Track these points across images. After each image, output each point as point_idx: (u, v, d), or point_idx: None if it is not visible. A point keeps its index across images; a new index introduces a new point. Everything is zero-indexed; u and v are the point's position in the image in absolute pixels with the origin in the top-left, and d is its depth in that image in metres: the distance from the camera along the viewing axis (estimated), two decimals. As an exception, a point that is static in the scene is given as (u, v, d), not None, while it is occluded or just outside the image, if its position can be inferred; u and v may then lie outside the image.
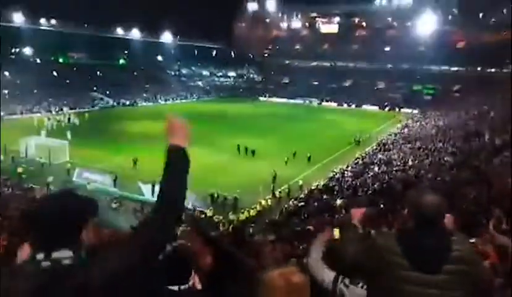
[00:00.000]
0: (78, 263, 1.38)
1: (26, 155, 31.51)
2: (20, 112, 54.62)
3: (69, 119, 50.97)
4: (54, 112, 54.97)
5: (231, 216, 21.47)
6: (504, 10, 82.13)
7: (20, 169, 27.40)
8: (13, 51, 76.48)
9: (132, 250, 1.47)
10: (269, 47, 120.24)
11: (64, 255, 1.37)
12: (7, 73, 66.80)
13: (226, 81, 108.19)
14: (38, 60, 78.58)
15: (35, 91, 62.83)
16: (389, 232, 2.11)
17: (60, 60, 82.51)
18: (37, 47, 78.46)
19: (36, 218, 1.42)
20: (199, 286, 3.40)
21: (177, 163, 1.74)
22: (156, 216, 1.55)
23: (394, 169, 26.01)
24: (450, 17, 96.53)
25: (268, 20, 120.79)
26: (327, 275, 2.20)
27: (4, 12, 70.50)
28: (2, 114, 51.30)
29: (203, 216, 21.90)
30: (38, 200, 1.57)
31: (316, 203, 21.79)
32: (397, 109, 75.11)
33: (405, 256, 1.81)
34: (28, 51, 79.29)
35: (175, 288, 1.76)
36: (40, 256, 1.36)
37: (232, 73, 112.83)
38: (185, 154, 1.77)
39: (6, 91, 59.60)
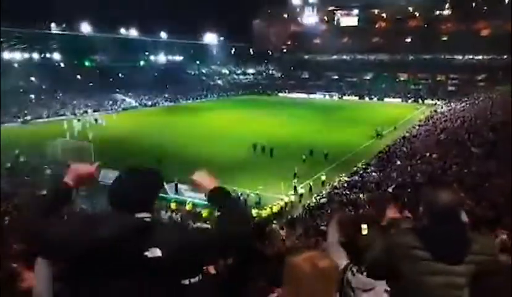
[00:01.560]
0: (154, 222, 1.70)
1: (53, 158, 32.37)
2: (46, 115, 56.15)
3: (96, 120, 52.34)
4: (78, 115, 56.21)
5: (253, 213, 21.56)
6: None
7: (48, 171, 28.19)
8: (38, 56, 78.56)
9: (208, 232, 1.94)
10: (288, 43, 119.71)
11: (144, 215, 1.69)
12: (33, 78, 68.89)
13: (246, 79, 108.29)
14: (62, 65, 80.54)
15: (60, 94, 64.48)
16: (407, 229, 2.13)
17: (86, 63, 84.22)
18: (60, 52, 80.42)
19: (120, 190, 1.78)
20: (212, 271, 3.45)
21: (217, 201, 1.99)
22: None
23: (419, 162, 25.55)
24: (473, 4, 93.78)
25: (285, 16, 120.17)
26: (341, 261, 2.20)
27: (28, 18, 72.50)
28: (29, 118, 53.00)
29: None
30: (120, 176, 1.85)
31: (339, 199, 21.65)
32: (420, 101, 73.68)
33: (427, 249, 1.84)
34: (52, 55, 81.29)
35: (186, 281, 1.83)
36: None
37: (251, 70, 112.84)
38: (223, 194, 2.02)
39: (32, 96, 61.49)
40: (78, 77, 76.50)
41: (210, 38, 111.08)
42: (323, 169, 29.17)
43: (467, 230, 1.91)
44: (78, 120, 49.84)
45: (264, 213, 21.71)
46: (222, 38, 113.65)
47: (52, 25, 79.27)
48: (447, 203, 1.91)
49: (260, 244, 3.62)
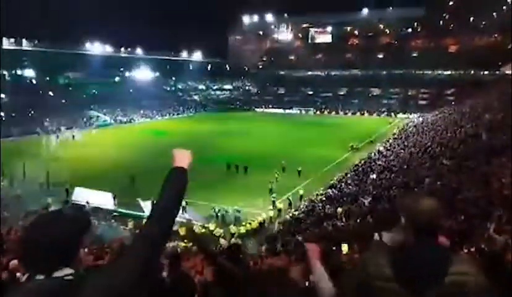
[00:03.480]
0: (80, 279, 1.36)
1: (25, 177, 31.41)
2: (18, 134, 54.48)
3: (73, 136, 52.03)
4: (51, 132, 54.84)
5: (232, 230, 21.39)
6: (495, 14, 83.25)
7: (18, 191, 27.28)
8: (8, 73, 76.69)
9: (128, 264, 1.44)
10: (264, 59, 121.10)
11: (66, 272, 1.37)
12: (3, 95, 67.00)
13: (222, 94, 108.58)
14: (34, 81, 78.77)
15: (32, 112, 62.82)
16: (381, 251, 2.01)
17: (59, 80, 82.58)
18: (32, 69, 78.82)
19: (32, 242, 1.39)
20: None
21: (175, 179, 1.77)
22: (148, 231, 1.53)
23: (394, 174, 26.03)
24: (441, 22, 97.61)
25: (261, 32, 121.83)
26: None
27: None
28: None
29: (203, 230, 21.82)
30: (32, 223, 1.44)
31: (316, 213, 21.76)
32: (393, 115, 75.52)
33: (395, 279, 1.73)
34: (23, 72, 79.54)
35: None
36: (41, 277, 1.34)
37: (228, 86, 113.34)
38: (185, 174, 1.83)
39: (2, 114, 59.67)
40: (51, 93, 74.90)
41: (186, 54, 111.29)
42: (298, 184, 29.23)
43: (446, 255, 1.77)
44: (57, 136, 49.34)
45: (243, 229, 21.57)
46: (198, 54, 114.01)
47: (24, 41, 77.77)
48: (422, 214, 1.82)
49: (233, 265, 3.60)
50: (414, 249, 1.80)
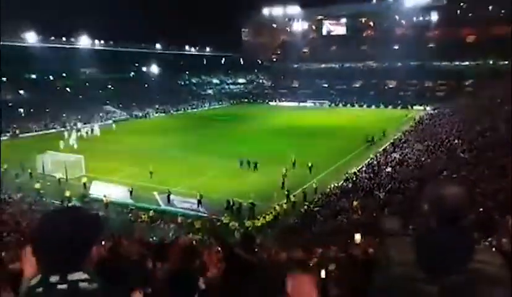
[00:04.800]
0: (95, 288, 1.35)
1: (43, 171, 32.05)
2: (35, 129, 55.61)
3: (92, 130, 53.27)
4: (68, 128, 55.77)
5: (247, 223, 21.50)
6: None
7: (37, 185, 27.90)
8: (26, 69, 78.05)
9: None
10: (278, 52, 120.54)
11: (80, 277, 1.34)
12: (22, 91, 68.39)
13: (236, 88, 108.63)
14: (51, 78, 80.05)
15: (49, 108, 63.91)
16: (405, 242, 1.94)
17: (77, 77, 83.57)
18: (49, 65, 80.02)
19: (47, 240, 1.36)
20: (202, 286, 3.43)
21: None
22: None
23: (410, 167, 25.75)
24: (459, 11, 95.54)
25: (274, 25, 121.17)
26: None
27: (16, 32, 72.28)
28: (18, 132, 52.49)
29: (219, 223, 22.00)
30: (45, 221, 1.40)
31: (331, 206, 21.70)
32: (409, 107, 74.46)
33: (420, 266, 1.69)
34: (40, 68, 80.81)
35: None
36: (55, 278, 1.32)
37: (241, 80, 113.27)
38: None
39: (21, 110, 60.95)
40: (68, 89, 76.02)
41: (200, 48, 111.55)
42: (311, 179, 29.07)
43: (471, 244, 1.73)
44: (78, 130, 50.43)
45: (258, 222, 21.65)
46: (212, 48, 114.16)
47: (41, 37, 78.99)
48: (449, 201, 1.77)
49: (249, 255, 3.62)
50: (437, 234, 1.76)
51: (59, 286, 1.30)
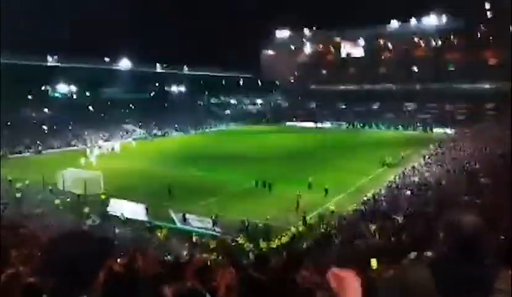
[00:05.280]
0: None
1: (64, 187, 32.64)
2: (58, 146, 56.98)
3: (113, 148, 54.49)
4: (89, 145, 56.97)
5: (262, 244, 21.30)
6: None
7: (57, 201, 28.39)
8: (49, 88, 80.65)
9: None
10: (295, 73, 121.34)
11: None
12: (46, 109, 70.49)
13: (254, 109, 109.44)
14: (74, 96, 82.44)
15: (71, 125, 65.54)
16: (421, 265, 1.91)
17: (99, 96, 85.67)
18: (73, 84, 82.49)
19: (54, 262, 1.35)
20: None
21: None
22: None
23: (429, 192, 25.26)
24: (479, 33, 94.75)
25: (293, 47, 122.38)
26: None
27: (40, 51, 74.99)
28: (41, 148, 53.89)
29: (233, 243, 21.87)
30: (54, 244, 1.41)
31: (347, 230, 21.36)
32: (429, 130, 73.50)
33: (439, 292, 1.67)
34: (64, 88, 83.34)
35: None
36: None
37: (259, 101, 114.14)
38: None
39: (45, 127, 62.68)
40: (90, 108, 78.02)
41: (218, 69, 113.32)
42: (327, 201, 28.74)
43: (489, 271, 1.71)
44: (99, 148, 51.68)
45: (273, 244, 21.43)
46: (230, 69, 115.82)
47: (65, 56, 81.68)
48: (467, 230, 1.78)
49: (263, 276, 3.59)
50: (455, 265, 1.75)
51: None
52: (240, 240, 22.01)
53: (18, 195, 29.27)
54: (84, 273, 1.35)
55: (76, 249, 1.37)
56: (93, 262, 1.40)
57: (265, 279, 3.42)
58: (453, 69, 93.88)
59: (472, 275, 1.69)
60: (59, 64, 79.96)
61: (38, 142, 55.45)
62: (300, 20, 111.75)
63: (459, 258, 1.76)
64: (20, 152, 51.26)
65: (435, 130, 72.59)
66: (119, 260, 7.43)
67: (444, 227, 1.89)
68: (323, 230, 22.85)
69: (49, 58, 79.00)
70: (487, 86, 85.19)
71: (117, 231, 23.44)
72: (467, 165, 30.03)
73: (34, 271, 1.61)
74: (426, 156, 42.96)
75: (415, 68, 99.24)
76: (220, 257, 17.91)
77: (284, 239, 21.94)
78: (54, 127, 63.38)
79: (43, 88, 77.74)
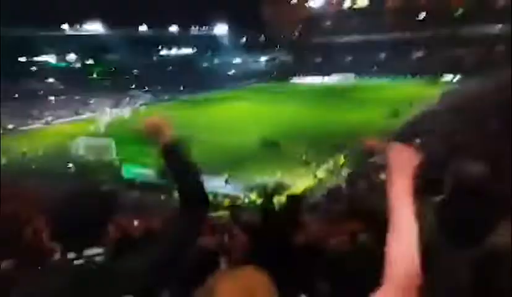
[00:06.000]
0: (111, 261, 1.40)
1: (76, 156, 33.19)
2: (66, 115, 57.31)
3: (121, 114, 54.29)
4: (97, 113, 57.07)
5: (274, 200, 21.70)
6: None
7: (70, 168, 29.02)
8: (53, 58, 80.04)
9: (164, 246, 1.51)
10: (299, 28, 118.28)
11: (95, 251, 1.39)
12: (51, 80, 70.35)
13: (259, 67, 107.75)
14: (78, 65, 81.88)
15: (77, 95, 65.55)
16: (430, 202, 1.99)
17: (102, 63, 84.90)
18: (75, 53, 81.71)
19: (62, 217, 1.41)
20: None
21: (176, 160, 1.70)
22: (181, 212, 1.59)
23: (438, 138, 25.21)
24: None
25: (295, 0, 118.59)
26: None
27: (43, 21, 73.89)
28: (50, 119, 54.29)
29: (246, 200, 22.34)
30: (62, 197, 1.47)
31: (358, 181, 21.61)
32: (438, 77, 72.09)
33: (441, 230, 1.74)
34: (67, 57, 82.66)
35: None
36: (72, 254, 1.37)
37: (264, 58, 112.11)
38: (176, 147, 1.74)
39: (52, 98, 62.83)
40: (95, 75, 77.60)
41: (221, 29, 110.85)
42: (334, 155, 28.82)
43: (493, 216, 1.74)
44: (107, 115, 51.73)
45: (284, 198, 21.83)
46: (232, 27, 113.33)
47: (64, 25, 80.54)
48: (478, 175, 1.85)
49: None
50: (459, 207, 1.80)
51: (76, 262, 1.36)
52: (252, 196, 22.48)
53: (33, 166, 29.90)
54: (92, 225, 1.42)
55: (81, 201, 1.45)
56: (100, 213, 1.47)
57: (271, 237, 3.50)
58: (460, 13, 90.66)
59: (476, 220, 1.74)
60: (59, 33, 78.92)
61: (46, 113, 55.78)
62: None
63: (463, 204, 1.81)
64: (29, 124, 51.69)
65: (443, 77, 71.17)
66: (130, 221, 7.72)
67: (451, 174, 1.94)
68: (333, 184, 23.18)
69: (50, 27, 77.91)
70: (496, 28, 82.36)
71: (131, 195, 24.00)
72: (477, 110, 29.68)
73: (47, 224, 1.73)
74: (435, 104, 42.50)
75: (422, 15, 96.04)
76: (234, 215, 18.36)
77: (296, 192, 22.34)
78: (61, 97, 63.47)
79: (46, 58, 77.05)
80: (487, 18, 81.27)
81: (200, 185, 1.66)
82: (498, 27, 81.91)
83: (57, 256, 1.44)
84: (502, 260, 1.61)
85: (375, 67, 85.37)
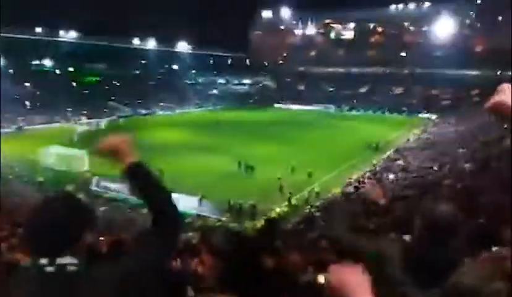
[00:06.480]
0: (83, 271, 1.37)
1: (47, 165, 32.18)
2: (41, 122, 55.89)
3: (97, 125, 53.99)
4: (72, 122, 56.02)
5: (247, 224, 21.45)
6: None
7: (40, 179, 28.00)
8: (32, 62, 78.59)
9: (137, 259, 1.49)
10: (285, 55, 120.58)
11: (68, 261, 1.36)
12: (27, 84, 68.77)
13: (241, 89, 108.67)
14: (57, 71, 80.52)
15: (54, 102, 64.16)
16: (394, 242, 2.02)
17: (83, 72, 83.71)
18: (56, 59, 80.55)
19: (38, 223, 1.39)
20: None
21: (141, 180, 1.65)
22: (152, 231, 1.57)
23: (413, 175, 25.64)
24: (468, 20, 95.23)
25: (282, 28, 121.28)
26: None
27: (24, 25, 72.80)
28: (22, 124, 52.78)
29: (219, 223, 21.97)
30: (39, 205, 1.44)
31: (330, 212, 21.59)
32: (415, 115, 74.26)
33: (404, 271, 1.74)
34: (47, 62, 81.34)
35: None
36: (43, 261, 1.34)
37: (247, 81, 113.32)
38: (141, 168, 1.67)
39: (27, 103, 61.29)
40: (74, 84, 76.37)
41: (207, 48, 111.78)
42: (308, 185, 28.84)
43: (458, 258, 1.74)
44: (83, 125, 50.86)
45: (259, 224, 21.59)
46: (218, 48, 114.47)
47: (46, 31, 79.51)
48: (440, 218, 1.84)
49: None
50: (425, 250, 1.81)
51: (47, 269, 1.33)
52: (225, 220, 22.15)
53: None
54: (67, 234, 1.40)
55: (60, 209, 1.42)
56: (77, 222, 1.44)
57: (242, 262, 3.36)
58: (440, 54, 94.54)
59: (441, 260, 1.73)
60: (41, 37, 77.86)
61: (21, 118, 54.27)
62: (291, 0, 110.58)
63: (432, 244, 1.82)
64: (2, 128, 49.95)
65: (420, 115, 73.36)
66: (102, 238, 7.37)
67: (421, 214, 1.95)
68: (307, 211, 23.11)
69: (33, 31, 76.90)
70: (473, 73, 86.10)
71: (101, 208, 23.28)
72: (451, 150, 30.50)
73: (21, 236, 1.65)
74: (412, 140, 43.51)
75: (403, 53, 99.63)
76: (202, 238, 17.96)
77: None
78: (37, 104, 62.01)
79: (25, 62, 75.60)
80: (465, 62, 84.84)
81: (170, 206, 1.63)
82: (475, 71, 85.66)
83: (27, 263, 1.40)
84: None
85: (356, 100, 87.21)
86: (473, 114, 51.13)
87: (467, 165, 22.27)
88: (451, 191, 16.67)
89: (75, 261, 1.37)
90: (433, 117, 67.70)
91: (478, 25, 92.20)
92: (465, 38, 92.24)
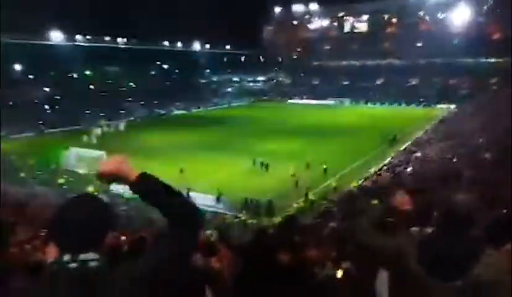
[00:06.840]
0: (104, 266, 1.43)
1: (67, 167, 32.85)
2: (61, 125, 56.91)
3: (116, 126, 55.14)
4: (92, 124, 56.86)
5: (264, 221, 21.51)
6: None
7: (61, 180, 28.62)
8: (52, 67, 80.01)
9: (156, 258, 1.54)
10: (298, 49, 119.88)
11: (91, 257, 1.42)
12: (47, 89, 70.18)
13: (256, 86, 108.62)
14: (75, 75, 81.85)
15: (73, 105, 65.34)
16: (413, 235, 2.03)
17: (100, 75, 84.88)
18: (73, 62, 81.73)
19: (63, 223, 1.46)
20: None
21: (150, 192, 1.67)
22: (175, 229, 1.60)
23: (431, 167, 25.27)
24: (485, 7, 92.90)
25: (295, 22, 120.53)
26: None
27: (41, 30, 74.21)
28: (43, 128, 53.93)
29: (236, 220, 22.10)
30: (64, 206, 1.51)
31: (349, 206, 21.48)
32: (432, 105, 72.99)
33: (425, 264, 1.75)
34: (65, 67, 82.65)
35: None
36: (67, 257, 1.41)
37: (261, 78, 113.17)
38: (147, 180, 1.69)
39: (47, 106, 62.57)
40: (91, 87, 77.57)
41: (221, 46, 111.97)
42: (324, 181, 28.68)
43: (477, 248, 1.76)
44: (101, 127, 51.56)
45: (276, 220, 21.64)
46: (232, 46, 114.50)
47: (65, 35, 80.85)
48: (466, 209, 1.85)
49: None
50: (442, 241, 1.81)
51: (70, 265, 1.40)
52: (243, 216, 22.27)
53: (22, 174, 29.50)
54: (90, 234, 1.46)
55: (83, 210, 1.48)
56: (100, 222, 1.51)
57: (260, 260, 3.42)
58: (457, 43, 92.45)
59: (462, 253, 1.74)
60: (58, 42, 79.20)
61: (40, 122, 55.45)
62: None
63: (452, 237, 1.81)
64: (23, 132, 51.22)
65: (438, 105, 72.05)
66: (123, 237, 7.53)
67: (441, 206, 1.94)
68: (324, 206, 23.04)
69: (50, 36, 78.30)
70: (491, 60, 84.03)
71: (121, 208, 23.66)
72: (470, 140, 29.90)
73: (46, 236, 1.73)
74: (429, 132, 42.82)
75: (419, 43, 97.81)
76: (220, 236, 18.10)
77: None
78: (56, 107, 63.29)
79: (44, 67, 77.05)
80: (482, 50, 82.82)
81: (186, 207, 1.66)
82: (492, 59, 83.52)
83: (51, 259, 1.45)
84: (487, 291, 1.61)
85: (372, 93, 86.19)
86: (493, 102, 50.03)
87: (487, 155, 21.82)
88: (471, 182, 16.40)
89: (96, 256, 1.43)
90: (452, 107, 66.42)
91: (496, 11, 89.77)
92: (482, 25, 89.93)
